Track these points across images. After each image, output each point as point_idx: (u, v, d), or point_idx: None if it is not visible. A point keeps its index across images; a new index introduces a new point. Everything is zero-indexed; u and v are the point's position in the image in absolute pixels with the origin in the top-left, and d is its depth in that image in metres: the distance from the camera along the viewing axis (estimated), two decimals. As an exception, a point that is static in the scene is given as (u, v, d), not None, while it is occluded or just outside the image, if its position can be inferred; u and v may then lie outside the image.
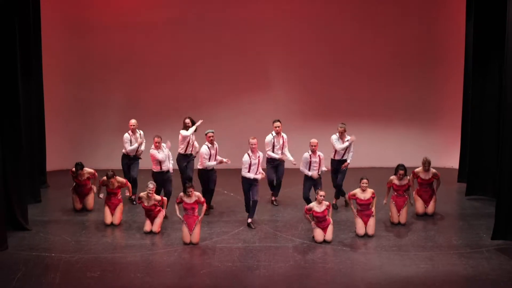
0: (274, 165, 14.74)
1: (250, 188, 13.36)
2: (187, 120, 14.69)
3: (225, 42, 18.00)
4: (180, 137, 14.51)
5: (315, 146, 13.63)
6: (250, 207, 13.45)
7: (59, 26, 17.60)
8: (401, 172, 13.44)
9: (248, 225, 13.40)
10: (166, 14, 17.95)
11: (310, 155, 13.64)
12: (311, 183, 13.78)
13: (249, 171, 13.30)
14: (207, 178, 14.14)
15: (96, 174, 14.39)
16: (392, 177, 13.62)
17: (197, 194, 12.54)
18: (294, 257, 11.72)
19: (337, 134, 14.37)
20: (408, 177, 13.66)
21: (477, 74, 14.95)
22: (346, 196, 13.42)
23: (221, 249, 12.07)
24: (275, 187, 14.98)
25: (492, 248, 11.97)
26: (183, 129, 14.59)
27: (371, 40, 18.09)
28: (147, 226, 12.99)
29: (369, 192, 12.84)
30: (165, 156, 13.95)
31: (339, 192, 14.67)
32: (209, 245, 12.26)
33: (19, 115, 13.08)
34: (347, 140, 14.26)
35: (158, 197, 13.07)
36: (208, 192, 14.18)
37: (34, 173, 14.91)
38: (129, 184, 13.96)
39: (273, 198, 15.08)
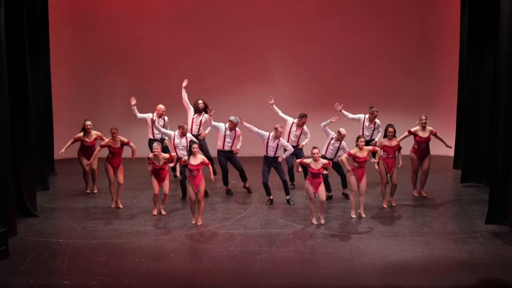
0: (293, 153, 14.65)
1: (269, 169, 14.02)
2: (200, 101, 15.11)
3: (228, 33, 18.22)
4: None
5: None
6: (283, 188, 14.16)
7: (67, 17, 17.89)
8: (391, 129, 13.60)
9: (288, 201, 14.14)
10: (170, 6, 18.17)
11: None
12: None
13: (266, 152, 13.98)
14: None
15: (103, 136, 14.57)
16: (382, 139, 13.79)
17: (201, 156, 12.86)
18: (295, 242, 11.87)
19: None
20: (397, 138, 13.75)
21: (472, 62, 15.08)
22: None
23: (223, 235, 12.23)
24: (289, 173, 15.13)
25: (486, 233, 12.13)
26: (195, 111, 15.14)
27: (368, 30, 18.31)
28: (156, 188, 13.21)
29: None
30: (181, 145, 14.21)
31: None
32: (211, 231, 12.45)
33: (28, 104, 13.26)
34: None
35: (166, 155, 13.28)
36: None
37: (43, 161, 15.13)
38: (132, 145, 13.95)
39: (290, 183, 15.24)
